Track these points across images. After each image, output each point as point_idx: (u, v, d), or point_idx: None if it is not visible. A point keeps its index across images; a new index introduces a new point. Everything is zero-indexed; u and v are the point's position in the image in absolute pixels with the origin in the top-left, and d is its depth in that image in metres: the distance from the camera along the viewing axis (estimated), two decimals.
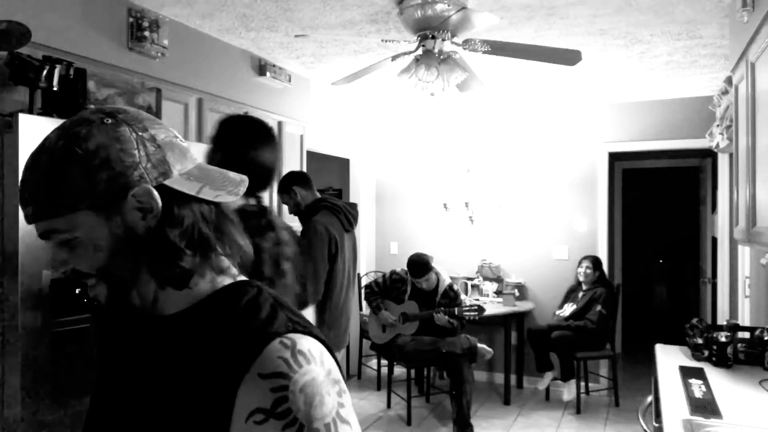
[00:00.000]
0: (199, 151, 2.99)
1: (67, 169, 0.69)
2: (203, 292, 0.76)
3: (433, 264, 4.37)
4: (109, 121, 0.72)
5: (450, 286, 4.43)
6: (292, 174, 3.39)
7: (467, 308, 4.27)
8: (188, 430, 0.69)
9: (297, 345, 0.68)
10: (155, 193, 0.71)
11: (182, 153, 0.76)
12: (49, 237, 0.72)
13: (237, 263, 0.80)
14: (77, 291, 2.14)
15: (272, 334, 0.68)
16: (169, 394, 0.72)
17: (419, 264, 4.31)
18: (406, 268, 4.45)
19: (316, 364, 0.67)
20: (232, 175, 0.78)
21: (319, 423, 0.64)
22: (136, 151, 0.71)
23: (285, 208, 3.53)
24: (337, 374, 0.70)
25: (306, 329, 0.71)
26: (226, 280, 0.78)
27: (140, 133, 0.73)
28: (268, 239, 1.58)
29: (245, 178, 0.78)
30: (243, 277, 0.81)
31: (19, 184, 0.73)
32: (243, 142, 1.63)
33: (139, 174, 0.70)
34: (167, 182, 0.72)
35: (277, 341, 0.67)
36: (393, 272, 4.55)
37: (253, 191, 1.63)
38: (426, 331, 4.33)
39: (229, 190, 0.75)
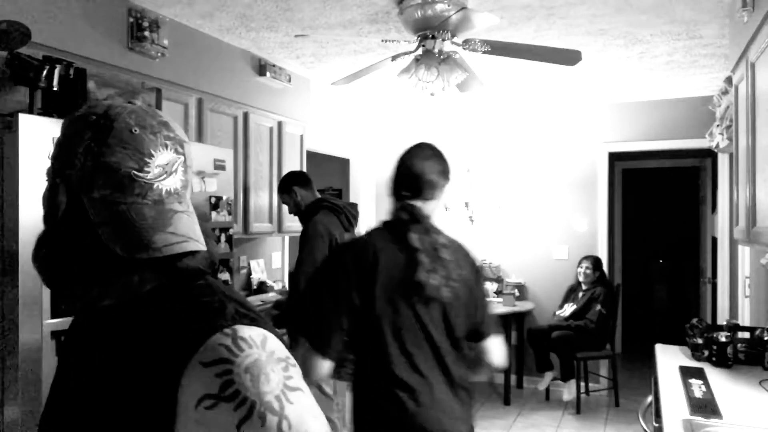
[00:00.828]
0: (199, 151, 2.99)
1: (58, 138, 0.80)
2: (149, 283, 0.77)
3: None
4: (91, 119, 0.78)
5: None
6: (291, 174, 3.39)
7: None
8: (131, 424, 0.70)
9: (238, 333, 0.70)
10: (62, 193, 0.78)
11: (122, 185, 0.78)
12: None
13: (199, 260, 0.80)
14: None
15: (215, 327, 0.70)
16: (112, 385, 0.74)
17: None
18: None
19: (258, 348, 0.70)
20: (158, 237, 0.76)
21: (270, 396, 0.67)
22: (77, 158, 0.77)
23: (285, 208, 3.53)
24: (281, 353, 0.72)
25: (252, 321, 0.73)
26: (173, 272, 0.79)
27: (92, 144, 0.78)
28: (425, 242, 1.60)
29: (170, 249, 0.76)
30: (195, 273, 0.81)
31: None
32: (404, 154, 1.72)
33: (68, 174, 0.77)
34: (84, 197, 0.78)
35: (219, 333, 0.70)
36: None
37: (402, 197, 1.67)
38: None
39: (125, 247, 0.74)
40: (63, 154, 0.77)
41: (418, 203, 1.69)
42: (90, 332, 0.81)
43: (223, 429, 0.66)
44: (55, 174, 0.78)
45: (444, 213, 5.66)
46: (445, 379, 1.59)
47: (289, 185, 3.25)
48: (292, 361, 0.73)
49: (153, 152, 0.76)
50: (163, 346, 0.71)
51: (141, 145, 0.76)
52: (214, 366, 0.68)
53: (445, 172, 1.75)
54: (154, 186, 0.76)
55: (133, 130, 0.76)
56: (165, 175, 0.77)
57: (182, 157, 0.80)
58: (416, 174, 1.69)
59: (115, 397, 0.73)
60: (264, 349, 0.70)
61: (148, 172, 0.76)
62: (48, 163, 0.80)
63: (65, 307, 0.83)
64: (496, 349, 1.74)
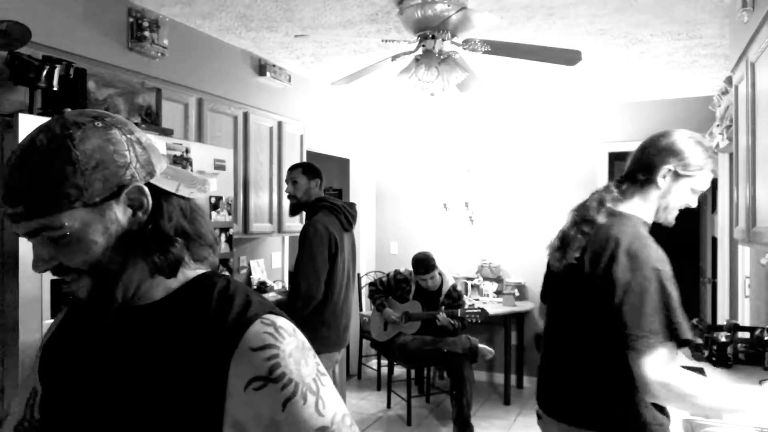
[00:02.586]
0: (199, 151, 3.00)
1: (63, 169, 0.72)
2: (176, 283, 0.82)
3: (437, 264, 4.38)
4: (100, 124, 0.76)
5: (453, 287, 4.43)
6: (315, 167, 3.31)
7: (469, 309, 4.26)
8: (180, 412, 0.74)
9: (277, 322, 0.78)
10: (146, 190, 0.77)
11: (159, 155, 0.83)
12: (39, 234, 0.75)
13: (211, 253, 0.87)
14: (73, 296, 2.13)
15: (253, 316, 0.77)
16: (154, 380, 0.76)
17: (424, 261, 4.31)
18: (410, 269, 4.45)
19: (294, 337, 0.78)
20: (196, 175, 0.87)
21: (309, 378, 0.76)
22: (127, 152, 0.76)
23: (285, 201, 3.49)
24: (308, 344, 0.80)
25: (276, 312, 0.80)
26: (199, 270, 0.85)
27: (129, 136, 0.78)
28: None
29: (208, 179, 0.87)
30: (208, 269, 0.88)
31: (3, 185, 0.75)
32: None
33: (131, 173, 0.76)
34: (153, 180, 0.79)
35: (258, 321, 0.76)
36: (397, 272, 4.56)
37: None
38: (427, 330, 4.33)
39: (199, 188, 0.83)
40: (108, 163, 0.74)
41: None
42: (123, 331, 0.81)
43: (270, 407, 0.73)
44: (109, 188, 0.74)
45: (444, 213, 5.67)
46: None
47: (316, 175, 3.21)
48: (314, 350, 0.81)
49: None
50: (206, 338, 0.76)
51: (130, 123, 0.84)
52: (262, 351, 0.74)
53: None
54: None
55: (117, 116, 0.83)
56: None
57: None
58: None
59: (161, 391, 0.76)
60: (297, 338, 0.79)
61: (150, 140, 0.86)
62: None
63: (105, 309, 0.82)
64: None
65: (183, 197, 0.83)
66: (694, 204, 1.69)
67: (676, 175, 1.63)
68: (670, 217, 1.69)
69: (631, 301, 1.49)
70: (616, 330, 1.49)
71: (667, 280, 1.53)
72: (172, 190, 0.80)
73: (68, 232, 0.73)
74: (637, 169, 1.69)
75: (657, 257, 1.55)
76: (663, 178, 1.63)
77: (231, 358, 0.74)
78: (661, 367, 1.45)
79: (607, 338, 1.53)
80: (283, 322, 0.78)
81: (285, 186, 3.34)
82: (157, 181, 0.79)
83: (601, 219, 1.63)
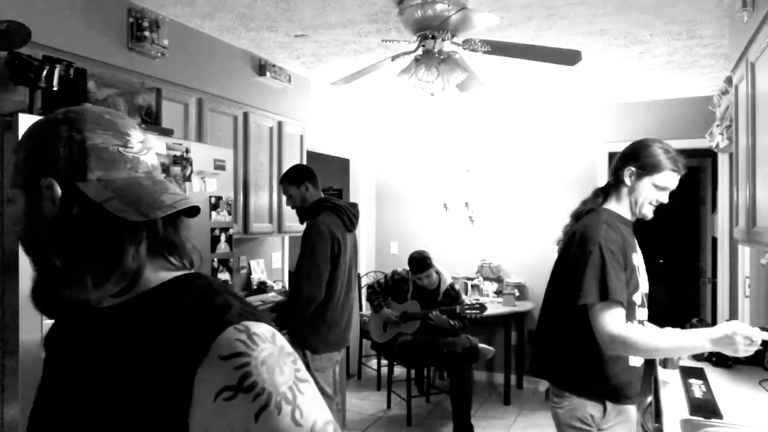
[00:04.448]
0: (199, 151, 2.99)
1: (18, 152, 0.82)
2: (149, 283, 0.81)
3: (434, 263, 4.37)
4: (59, 117, 0.81)
5: (451, 286, 4.43)
6: (303, 168, 3.30)
7: (468, 306, 4.25)
8: (142, 420, 0.72)
9: (251, 329, 0.73)
10: (56, 186, 0.77)
11: (114, 162, 0.80)
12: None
13: (185, 263, 0.85)
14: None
15: (226, 322, 0.73)
16: (116, 386, 0.75)
17: (419, 260, 4.30)
18: (407, 268, 4.45)
19: (270, 343, 0.73)
20: (167, 197, 0.80)
21: (284, 387, 0.71)
22: (60, 149, 0.78)
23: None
24: (289, 349, 0.76)
25: (256, 317, 0.76)
26: (177, 273, 0.83)
27: (73, 134, 0.79)
28: None
29: (178, 204, 0.80)
30: (189, 272, 0.86)
31: None
32: None
33: (54, 168, 0.78)
34: (79, 183, 0.78)
35: (232, 328, 0.72)
36: (395, 272, 4.55)
37: None
38: (427, 330, 4.33)
39: (138, 210, 0.77)
40: (41, 154, 0.79)
41: None
42: (91, 332, 0.82)
43: (242, 418, 0.69)
44: (34, 176, 0.79)
45: (444, 213, 5.67)
46: None
47: (302, 179, 3.18)
48: (296, 356, 0.76)
49: (128, 131, 0.83)
50: (174, 342, 0.73)
51: (116, 125, 0.82)
52: (233, 359, 0.70)
53: None
54: (141, 159, 0.82)
55: (105, 116, 0.82)
56: (145, 150, 0.84)
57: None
58: None
59: (124, 394, 0.74)
60: (275, 344, 0.74)
61: (132, 147, 0.82)
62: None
63: (64, 309, 0.84)
64: None
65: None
66: (664, 200, 1.98)
67: (638, 175, 1.94)
68: (644, 211, 1.98)
69: (578, 270, 1.83)
70: (568, 294, 1.84)
71: (608, 252, 1.82)
72: (96, 199, 0.77)
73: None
74: (612, 173, 2.05)
75: (606, 236, 1.85)
76: (629, 178, 1.95)
77: (199, 365, 0.70)
78: (610, 322, 1.75)
79: (568, 305, 1.84)
80: (260, 328, 0.74)
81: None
82: (83, 185, 0.77)
83: (582, 216, 2.02)
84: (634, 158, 1.95)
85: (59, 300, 0.80)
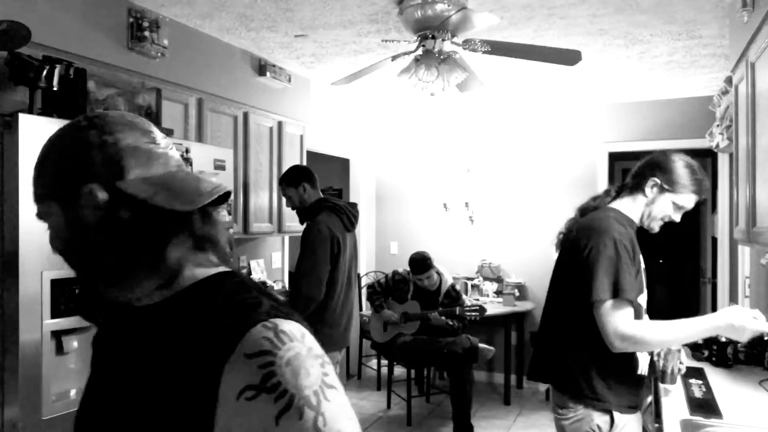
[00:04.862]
0: (199, 151, 2.99)
1: (45, 164, 0.80)
2: (185, 282, 0.81)
3: (435, 264, 4.37)
4: (83, 124, 0.80)
5: (452, 287, 4.43)
6: (301, 168, 3.31)
7: (468, 308, 4.26)
8: (170, 417, 0.72)
9: (279, 326, 0.72)
10: (100, 190, 0.77)
11: (148, 159, 0.81)
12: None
13: (219, 259, 0.86)
14: (77, 291, 2.14)
15: (255, 320, 0.72)
16: (150, 385, 0.76)
17: (419, 261, 4.30)
18: (407, 268, 4.45)
19: (298, 342, 0.72)
20: (204, 185, 0.82)
21: (308, 391, 0.68)
22: (95, 154, 0.78)
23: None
24: (318, 350, 0.74)
25: (287, 315, 0.75)
26: (212, 270, 0.84)
27: (104, 137, 0.79)
28: None
29: (207, 191, 0.81)
30: (224, 269, 0.86)
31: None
32: None
33: (92, 173, 0.78)
34: (120, 184, 0.78)
35: (260, 325, 0.71)
36: (395, 272, 4.55)
37: None
38: (427, 331, 4.33)
39: (183, 200, 0.79)
40: (75, 161, 0.78)
41: None
42: (131, 332, 0.84)
43: (262, 420, 0.67)
44: (73, 185, 0.78)
45: (444, 213, 5.67)
46: None
47: (300, 180, 3.18)
48: (327, 359, 0.74)
49: (151, 129, 0.84)
50: (204, 340, 0.73)
51: (140, 124, 0.83)
52: (258, 357, 0.69)
53: None
54: (170, 154, 0.84)
55: (126, 117, 0.84)
56: (171, 146, 0.86)
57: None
58: None
59: (157, 393, 0.74)
60: (304, 344, 0.72)
61: (159, 144, 0.83)
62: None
63: (108, 312, 0.86)
64: None
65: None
66: (677, 219, 1.94)
67: (662, 189, 1.88)
68: (653, 225, 1.94)
69: (589, 264, 1.76)
70: (579, 290, 1.77)
71: (622, 248, 1.76)
72: (143, 197, 0.78)
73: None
74: (632, 176, 1.98)
75: (619, 231, 1.79)
76: (650, 189, 1.89)
77: (226, 363, 0.69)
78: (620, 321, 1.71)
79: (576, 302, 1.79)
80: (289, 326, 0.73)
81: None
82: (125, 185, 0.78)
83: (588, 210, 1.97)
84: (662, 171, 1.88)
85: (104, 303, 0.82)
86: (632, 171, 1.99)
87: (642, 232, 1.96)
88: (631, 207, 1.93)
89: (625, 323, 1.71)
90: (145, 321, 0.81)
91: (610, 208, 1.93)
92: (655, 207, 1.90)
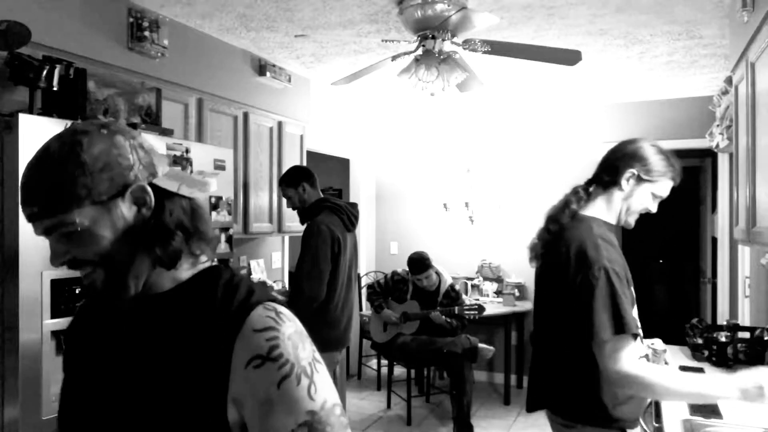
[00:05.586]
0: (199, 151, 2.99)
1: (73, 172, 0.81)
2: (185, 274, 0.90)
3: (434, 264, 4.37)
4: (105, 131, 0.85)
5: (452, 286, 4.43)
6: (300, 169, 3.32)
7: (467, 307, 4.26)
8: (188, 391, 0.81)
9: (278, 308, 0.85)
10: (149, 189, 0.85)
11: (160, 158, 0.90)
12: (53, 232, 0.83)
13: (210, 249, 0.94)
14: (77, 291, 2.14)
15: (255, 303, 0.85)
16: (164, 363, 0.83)
17: (418, 261, 4.31)
18: (407, 268, 4.45)
19: (293, 322, 0.85)
20: (197, 177, 0.93)
21: (305, 362, 0.82)
22: (130, 156, 0.85)
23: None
24: (305, 332, 0.87)
25: (277, 300, 0.88)
26: (205, 264, 0.93)
27: (131, 141, 0.86)
28: None
29: (209, 180, 0.93)
30: (215, 262, 0.96)
31: (20, 188, 0.86)
32: None
33: (134, 174, 0.84)
34: (155, 180, 0.87)
35: (261, 306, 0.84)
36: (394, 273, 4.55)
37: None
38: (427, 330, 4.33)
39: (199, 188, 0.91)
40: (116, 164, 0.83)
41: None
42: (127, 322, 0.89)
43: (267, 385, 0.79)
44: (117, 187, 0.83)
45: (444, 213, 5.67)
46: None
47: (299, 180, 3.19)
48: (310, 339, 0.87)
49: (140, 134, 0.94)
50: (213, 321, 0.83)
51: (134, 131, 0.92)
52: (264, 332, 0.81)
53: None
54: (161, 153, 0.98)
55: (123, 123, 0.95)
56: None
57: None
58: None
59: (173, 372, 0.82)
60: (296, 324, 0.86)
61: (153, 145, 0.94)
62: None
63: (118, 298, 0.89)
64: None
65: (184, 196, 0.90)
66: (654, 209, 1.81)
67: (639, 179, 1.75)
68: (630, 220, 1.81)
69: (583, 300, 1.60)
70: (576, 327, 1.62)
71: (615, 277, 1.62)
72: (173, 189, 0.87)
73: (79, 228, 0.82)
74: (603, 171, 1.84)
75: (607, 256, 1.64)
76: (626, 181, 1.76)
77: (236, 338, 0.80)
78: (624, 359, 1.55)
79: (570, 335, 1.67)
80: (284, 309, 0.86)
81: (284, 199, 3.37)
82: (159, 181, 0.87)
83: (565, 220, 1.81)
84: (639, 159, 1.75)
85: (126, 292, 0.86)
86: (601, 165, 1.86)
87: (642, 232, 1.88)
88: (606, 208, 1.80)
89: (628, 361, 1.55)
90: (154, 309, 0.88)
91: (588, 218, 1.77)
92: (634, 200, 1.77)
